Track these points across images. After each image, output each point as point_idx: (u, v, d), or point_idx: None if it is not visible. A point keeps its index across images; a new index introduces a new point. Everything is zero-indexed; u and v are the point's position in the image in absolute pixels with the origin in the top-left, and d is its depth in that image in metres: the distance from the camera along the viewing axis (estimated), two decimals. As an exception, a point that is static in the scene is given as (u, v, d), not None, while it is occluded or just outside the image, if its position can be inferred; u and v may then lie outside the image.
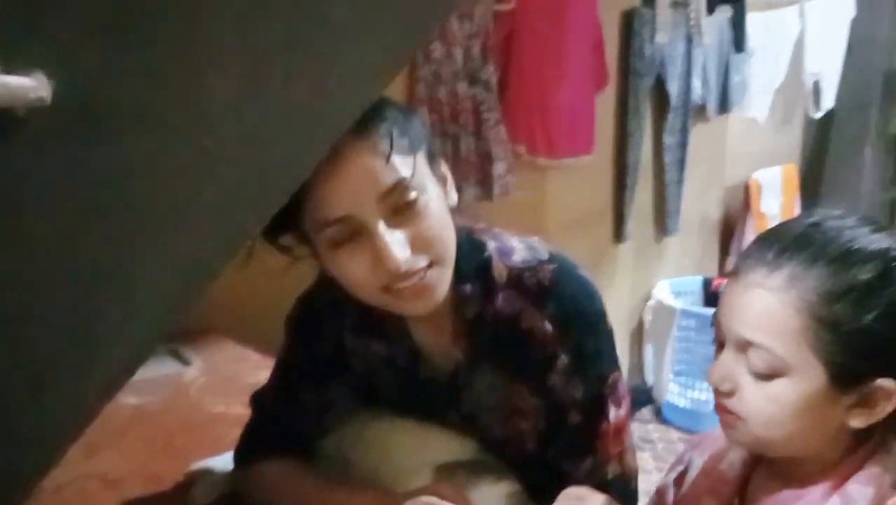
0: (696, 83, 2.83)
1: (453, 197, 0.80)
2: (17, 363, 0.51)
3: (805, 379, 0.63)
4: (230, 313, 1.51)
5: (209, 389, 1.30)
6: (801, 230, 0.65)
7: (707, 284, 3.01)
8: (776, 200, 3.39)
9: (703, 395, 2.74)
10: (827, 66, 3.49)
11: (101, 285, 0.53)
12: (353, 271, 0.73)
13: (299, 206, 0.70)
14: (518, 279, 0.81)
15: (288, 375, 0.94)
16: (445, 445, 0.87)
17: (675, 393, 2.85)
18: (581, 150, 2.47)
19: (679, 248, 3.06)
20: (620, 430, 0.81)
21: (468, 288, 0.81)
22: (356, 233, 0.71)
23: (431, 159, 0.77)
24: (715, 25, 2.89)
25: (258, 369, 1.39)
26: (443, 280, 0.75)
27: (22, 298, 0.50)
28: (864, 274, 0.62)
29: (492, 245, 0.83)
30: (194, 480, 0.97)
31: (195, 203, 0.57)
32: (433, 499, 0.74)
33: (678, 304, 2.77)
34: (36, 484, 0.55)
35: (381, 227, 0.70)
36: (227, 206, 0.58)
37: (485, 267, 0.82)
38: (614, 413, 0.80)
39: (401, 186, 0.70)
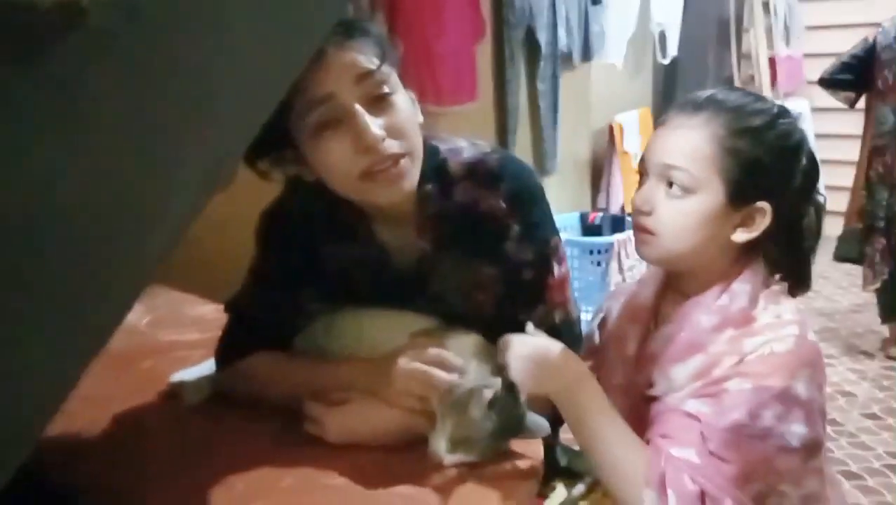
0: (562, 33, 3.07)
1: (419, 115, 0.92)
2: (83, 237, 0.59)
3: (710, 196, 0.84)
4: (165, 265, 1.54)
5: (158, 323, 1.35)
6: (713, 93, 0.88)
7: (584, 217, 3.31)
8: (636, 140, 3.74)
9: (587, 315, 3.03)
10: (669, 17, 3.87)
11: (149, 167, 0.61)
12: (335, 155, 0.84)
13: (285, 112, 0.81)
14: (471, 171, 0.95)
15: (263, 282, 1.02)
16: (414, 321, 0.98)
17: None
18: (466, 97, 2.64)
19: (557, 187, 3.32)
20: (563, 282, 0.98)
21: (428, 187, 0.94)
22: (338, 120, 0.82)
23: (403, 83, 0.89)
24: (574, -21, 3.14)
25: (201, 305, 1.45)
26: (414, 170, 0.88)
27: (84, 183, 0.58)
28: (758, 120, 0.84)
29: (443, 147, 0.97)
30: (178, 387, 1.04)
31: (220, 94, 0.66)
32: (430, 350, 0.87)
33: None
34: (92, 354, 0.62)
35: (359, 108, 0.82)
36: (244, 97, 0.68)
37: (440, 167, 0.95)
38: (557, 270, 0.97)
39: (377, 75, 0.83)
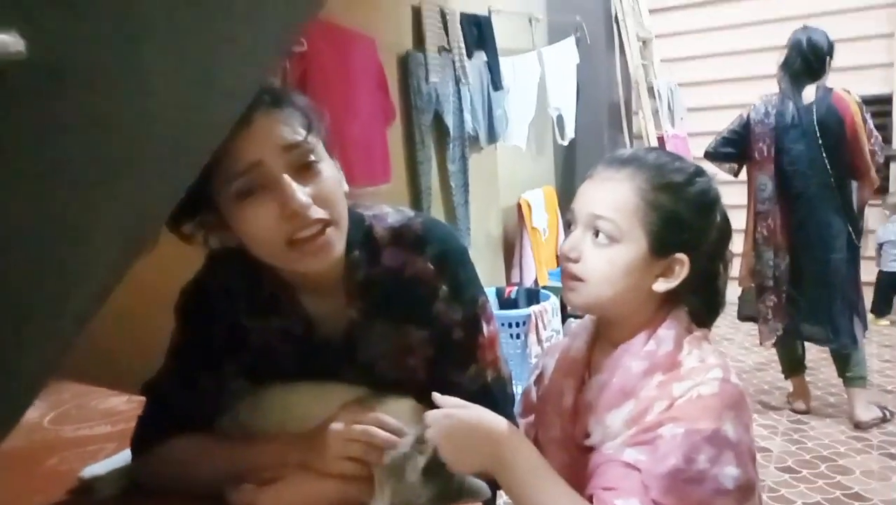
0: (468, 117, 3.21)
1: (345, 184, 0.93)
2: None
3: (633, 245, 0.88)
4: (69, 358, 1.45)
5: (63, 419, 1.25)
6: (637, 151, 0.94)
7: (500, 292, 3.37)
8: (543, 216, 3.89)
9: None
10: (565, 102, 4.12)
11: (69, 227, 0.59)
12: (260, 222, 0.83)
13: (210, 179, 0.80)
14: (397, 236, 0.96)
15: (183, 360, 0.97)
16: (345, 392, 0.95)
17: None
18: (380, 178, 2.69)
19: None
20: (493, 341, 0.98)
21: (356, 254, 0.93)
22: (263, 186, 0.82)
23: (329, 151, 0.90)
24: (475, 68, 3.32)
25: (109, 397, 1.36)
26: (339, 240, 0.88)
27: (5, 232, 0.55)
28: (678, 177, 0.90)
29: (368, 214, 0.98)
30: (91, 481, 0.95)
31: (142, 156, 0.65)
32: (367, 414, 0.84)
33: (479, 312, 3.06)
34: (16, 419, 0.58)
35: (286, 176, 0.82)
36: (167, 160, 0.67)
37: (367, 233, 0.96)
38: (486, 328, 0.98)
39: (303, 146, 0.83)
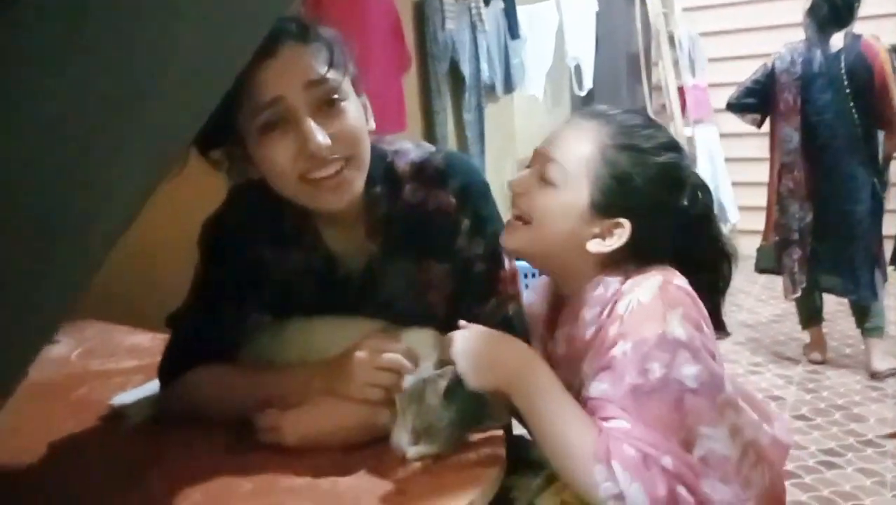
0: (484, 66, 3.17)
1: (371, 122, 0.93)
2: (28, 216, 0.56)
3: (575, 194, 0.87)
4: (92, 297, 1.48)
5: (90, 354, 1.28)
6: (616, 109, 0.92)
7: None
8: (560, 168, 3.86)
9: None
10: (583, 52, 4.05)
11: (95, 147, 0.60)
12: (278, 156, 0.83)
13: (235, 109, 0.80)
14: (419, 171, 0.96)
15: (206, 293, 0.99)
16: (365, 325, 0.97)
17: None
18: (394, 128, 2.67)
19: (488, 216, 3.38)
20: (514, 275, 0.99)
21: (377, 189, 0.94)
22: (285, 120, 0.82)
23: (356, 87, 0.90)
24: (492, 15, 3.26)
25: (132, 334, 1.39)
26: (358, 180, 0.88)
27: (32, 154, 0.56)
28: (645, 143, 0.88)
29: (389, 150, 0.98)
30: (122, 408, 0.98)
31: (165, 79, 0.65)
32: (379, 342, 0.86)
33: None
34: (49, 336, 0.59)
35: (306, 115, 0.82)
36: (191, 82, 0.67)
37: (388, 169, 0.96)
38: (508, 263, 0.98)
39: (327, 82, 0.83)
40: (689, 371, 0.78)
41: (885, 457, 2.35)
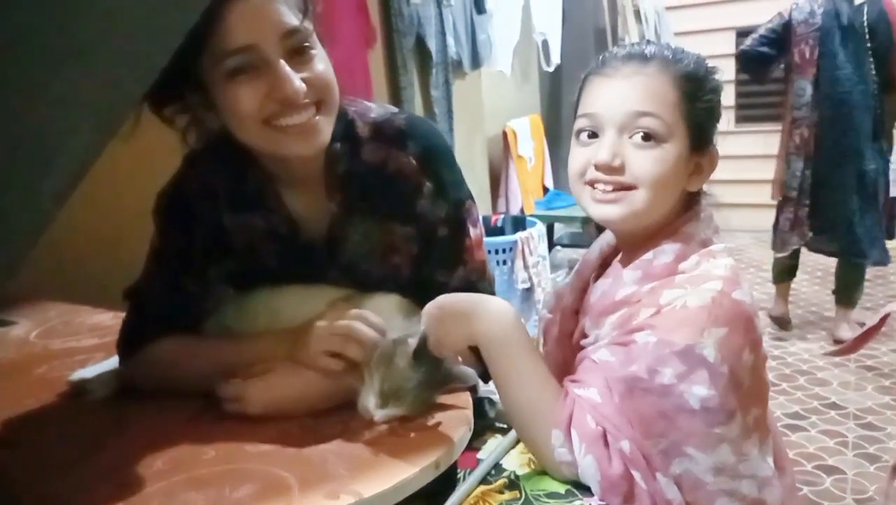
0: (451, 41, 3.14)
1: (332, 73, 0.90)
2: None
3: (678, 141, 0.82)
4: (51, 279, 1.44)
5: (50, 333, 1.25)
6: (647, 45, 0.86)
7: (486, 220, 3.36)
8: (529, 144, 3.86)
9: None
10: (550, 27, 4.04)
11: (42, 100, 0.58)
12: (244, 101, 0.81)
13: (197, 52, 0.78)
14: (379, 131, 0.94)
15: (165, 263, 0.96)
16: (330, 292, 0.96)
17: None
18: (361, 103, 2.64)
19: (458, 193, 3.37)
20: (480, 244, 0.98)
21: (337, 146, 0.92)
22: (254, 67, 0.80)
23: (321, 40, 0.88)
24: (457, -11, 3.22)
25: (94, 314, 1.36)
26: (326, 127, 0.87)
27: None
28: (701, 68, 0.85)
29: (351, 109, 0.96)
30: (83, 383, 0.96)
31: (114, 34, 0.63)
32: (350, 311, 0.85)
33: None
34: None
35: (282, 62, 0.80)
36: (141, 35, 0.65)
37: (348, 127, 0.94)
38: (473, 231, 0.97)
39: (302, 31, 0.81)
40: (698, 391, 0.73)
41: (848, 418, 2.41)
